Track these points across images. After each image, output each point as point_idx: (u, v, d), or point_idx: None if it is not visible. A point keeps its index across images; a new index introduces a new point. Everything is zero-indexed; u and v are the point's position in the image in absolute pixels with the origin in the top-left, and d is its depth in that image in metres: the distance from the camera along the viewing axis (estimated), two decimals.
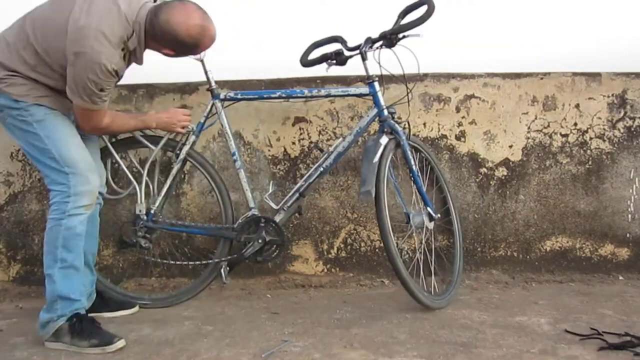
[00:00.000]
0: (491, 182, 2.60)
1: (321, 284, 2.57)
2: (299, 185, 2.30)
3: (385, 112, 2.22)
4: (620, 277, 2.59)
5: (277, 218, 2.29)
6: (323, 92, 2.31)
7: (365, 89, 2.25)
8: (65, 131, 1.97)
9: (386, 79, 2.46)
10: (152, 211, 2.31)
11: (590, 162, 2.60)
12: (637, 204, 2.61)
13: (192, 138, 2.32)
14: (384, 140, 2.16)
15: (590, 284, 2.53)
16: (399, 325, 2.08)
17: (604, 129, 2.59)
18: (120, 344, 1.91)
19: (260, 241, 2.26)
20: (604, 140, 2.59)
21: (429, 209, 2.29)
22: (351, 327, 2.08)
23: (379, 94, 2.23)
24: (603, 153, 2.60)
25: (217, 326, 2.11)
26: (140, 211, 2.30)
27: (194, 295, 2.36)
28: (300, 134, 2.57)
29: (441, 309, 2.21)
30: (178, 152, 2.32)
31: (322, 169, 2.27)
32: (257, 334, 2.02)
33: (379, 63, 2.20)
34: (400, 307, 2.27)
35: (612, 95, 2.58)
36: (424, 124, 2.57)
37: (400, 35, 2.17)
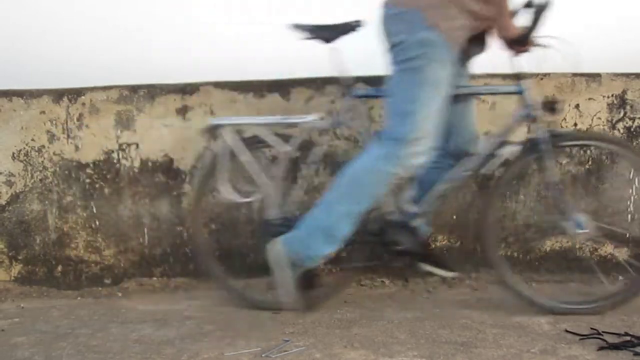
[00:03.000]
0: (491, 182, 2.59)
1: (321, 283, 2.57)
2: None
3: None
4: (620, 277, 2.59)
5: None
6: None
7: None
8: None
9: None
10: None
11: (590, 162, 2.60)
12: (637, 204, 2.60)
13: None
14: None
15: (591, 284, 2.53)
16: (399, 325, 2.09)
17: (604, 129, 2.59)
18: None
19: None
20: None
21: None
22: (352, 326, 2.08)
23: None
24: (603, 153, 2.59)
25: (218, 326, 2.11)
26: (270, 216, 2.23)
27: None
28: None
29: (442, 309, 2.21)
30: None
31: None
32: (258, 333, 2.03)
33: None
34: (400, 307, 2.27)
35: (612, 95, 2.58)
36: None
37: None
